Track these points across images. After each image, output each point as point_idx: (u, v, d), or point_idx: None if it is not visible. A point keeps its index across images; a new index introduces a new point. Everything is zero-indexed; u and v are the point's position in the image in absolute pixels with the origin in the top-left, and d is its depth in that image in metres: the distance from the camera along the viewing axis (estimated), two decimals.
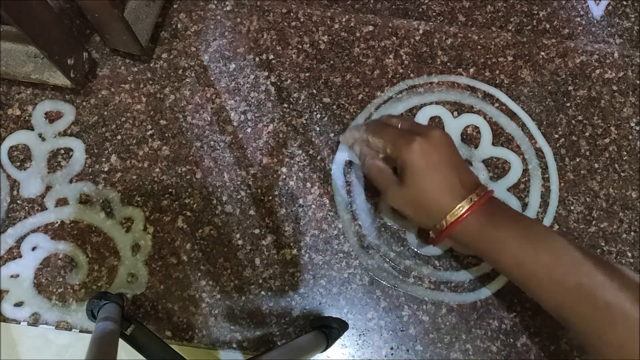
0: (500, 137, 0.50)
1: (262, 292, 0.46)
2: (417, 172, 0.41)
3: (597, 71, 0.52)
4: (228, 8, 0.54)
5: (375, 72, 0.52)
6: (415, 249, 0.47)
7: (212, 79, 0.51)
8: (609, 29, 0.54)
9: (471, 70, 0.52)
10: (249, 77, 0.52)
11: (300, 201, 0.48)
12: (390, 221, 0.48)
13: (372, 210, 0.48)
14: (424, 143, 0.41)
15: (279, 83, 0.51)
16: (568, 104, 0.51)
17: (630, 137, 0.51)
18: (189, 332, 0.45)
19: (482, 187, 0.41)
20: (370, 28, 0.53)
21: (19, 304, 0.46)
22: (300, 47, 0.52)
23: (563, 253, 0.37)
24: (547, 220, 0.48)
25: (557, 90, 0.52)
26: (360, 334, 0.46)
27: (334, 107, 0.51)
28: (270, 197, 0.48)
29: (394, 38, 0.53)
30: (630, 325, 0.34)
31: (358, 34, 0.53)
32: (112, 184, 0.48)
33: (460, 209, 0.40)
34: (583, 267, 0.36)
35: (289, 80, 0.51)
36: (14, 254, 0.47)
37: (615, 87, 0.52)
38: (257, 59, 0.52)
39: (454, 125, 0.50)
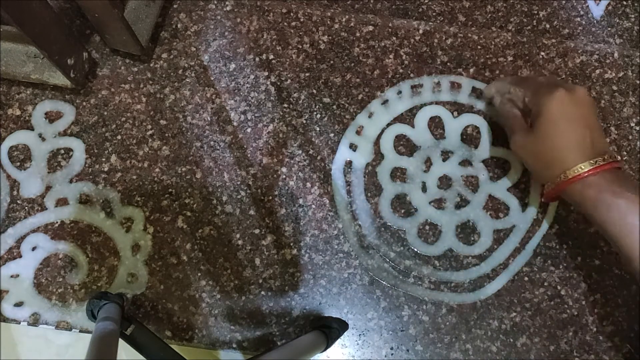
0: (500, 137, 0.50)
1: (262, 292, 0.46)
2: (551, 121, 0.41)
3: (597, 71, 0.52)
4: (228, 8, 0.54)
5: (375, 72, 0.52)
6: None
7: (212, 79, 0.51)
8: (609, 29, 0.54)
9: (471, 70, 0.52)
10: (249, 77, 0.52)
11: (300, 201, 0.48)
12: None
13: (372, 210, 0.48)
14: (565, 95, 0.40)
15: (279, 83, 0.51)
16: None
17: (630, 137, 0.51)
18: (189, 332, 0.45)
19: (612, 155, 0.40)
20: (370, 28, 0.53)
21: (19, 304, 0.46)
22: (300, 47, 0.52)
23: None
24: (547, 220, 0.48)
25: None
26: (360, 334, 0.46)
27: (334, 107, 0.51)
28: (270, 197, 0.48)
29: (394, 38, 0.53)
30: None
31: (358, 34, 0.53)
32: (112, 184, 0.48)
33: (582, 167, 0.39)
34: None
35: (289, 80, 0.51)
36: (14, 254, 0.47)
37: (615, 87, 0.52)
38: (257, 59, 0.52)
39: (454, 125, 0.50)
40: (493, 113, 0.50)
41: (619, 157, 0.50)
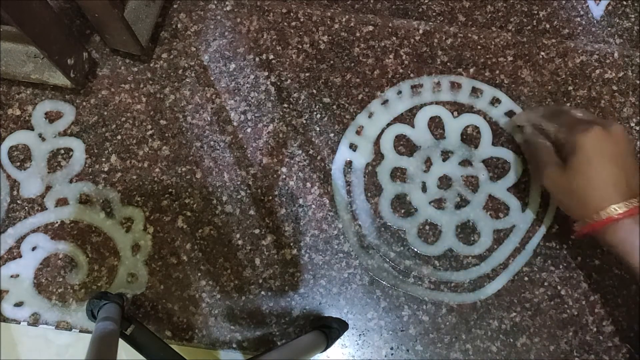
0: (500, 137, 0.50)
1: (262, 292, 0.46)
2: (585, 159, 0.39)
3: (597, 71, 0.52)
4: (228, 8, 0.54)
5: (375, 72, 0.52)
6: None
7: (212, 79, 0.51)
8: (609, 29, 0.54)
9: (471, 70, 0.52)
10: (249, 77, 0.52)
11: (300, 201, 0.48)
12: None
13: (372, 210, 0.48)
14: (602, 132, 0.39)
15: (279, 83, 0.51)
16: (568, 104, 0.51)
17: (630, 137, 0.51)
18: (189, 332, 0.45)
19: None
20: (370, 28, 0.53)
21: (19, 304, 0.46)
22: (300, 47, 0.52)
23: None
24: (547, 221, 0.48)
25: (557, 90, 0.52)
26: (360, 334, 0.46)
27: (334, 107, 0.51)
28: (270, 197, 0.48)
29: (394, 38, 0.53)
30: None
31: (358, 34, 0.53)
32: (112, 184, 0.48)
33: (616, 209, 0.38)
34: None
35: (289, 80, 0.51)
36: (14, 254, 0.47)
37: (615, 87, 0.52)
38: (257, 59, 0.52)
39: (454, 125, 0.50)
40: (520, 142, 0.50)
41: None
